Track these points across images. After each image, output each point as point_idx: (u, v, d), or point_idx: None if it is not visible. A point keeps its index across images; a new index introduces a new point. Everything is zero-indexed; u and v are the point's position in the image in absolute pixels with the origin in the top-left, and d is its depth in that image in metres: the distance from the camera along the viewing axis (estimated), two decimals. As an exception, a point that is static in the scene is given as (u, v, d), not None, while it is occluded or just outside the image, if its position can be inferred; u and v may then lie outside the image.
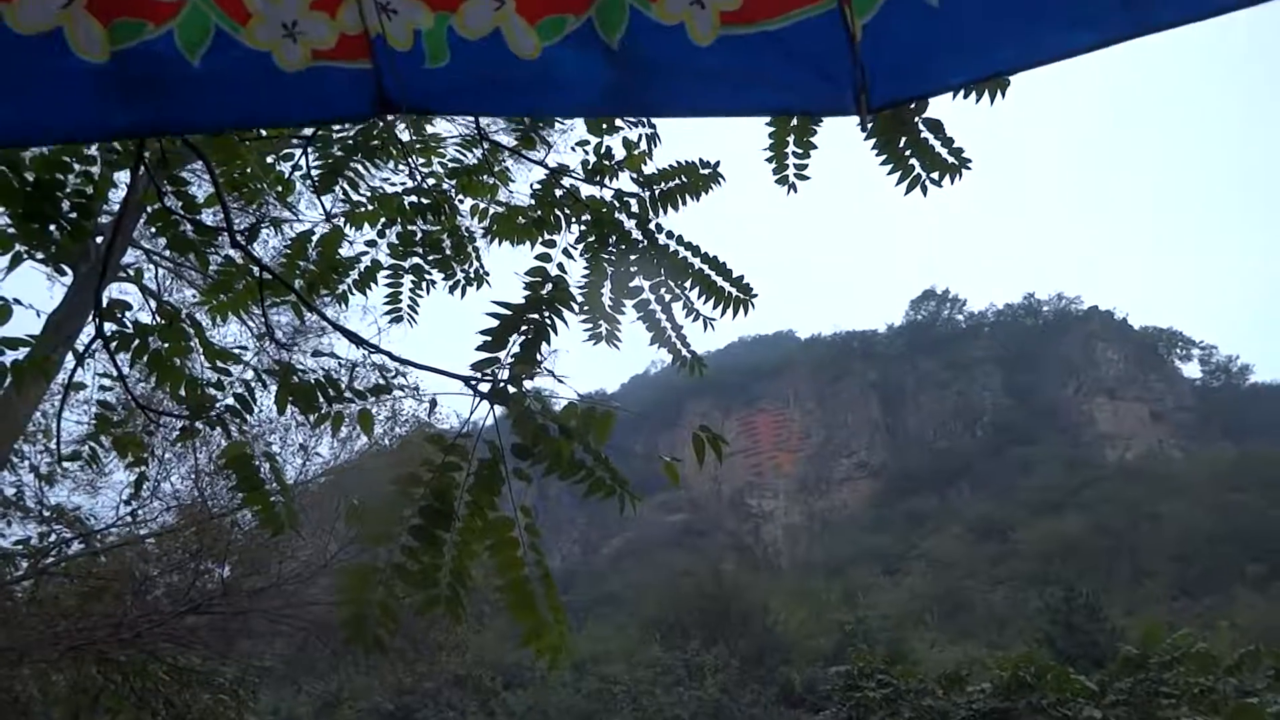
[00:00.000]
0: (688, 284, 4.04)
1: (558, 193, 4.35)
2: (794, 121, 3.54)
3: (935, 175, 3.48)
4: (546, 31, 1.78)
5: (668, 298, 4.07)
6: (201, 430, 3.63)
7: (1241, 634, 27.76)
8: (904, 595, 57.23)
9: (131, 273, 10.65)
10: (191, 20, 1.76)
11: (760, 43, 1.76)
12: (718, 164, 4.16)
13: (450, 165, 4.73)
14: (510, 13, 1.77)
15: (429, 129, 4.90)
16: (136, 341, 3.56)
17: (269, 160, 4.59)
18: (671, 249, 4.02)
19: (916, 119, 3.35)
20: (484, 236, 4.77)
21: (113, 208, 6.14)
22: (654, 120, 4.20)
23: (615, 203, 4.18)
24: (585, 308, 4.03)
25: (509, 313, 2.69)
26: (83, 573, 10.40)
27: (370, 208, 4.59)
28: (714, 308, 4.06)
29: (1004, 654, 18.61)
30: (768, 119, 3.54)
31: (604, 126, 4.18)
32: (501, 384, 2.62)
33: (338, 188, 4.39)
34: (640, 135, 4.22)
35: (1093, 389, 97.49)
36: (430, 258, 4.72)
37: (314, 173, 4.40)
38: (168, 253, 9.96)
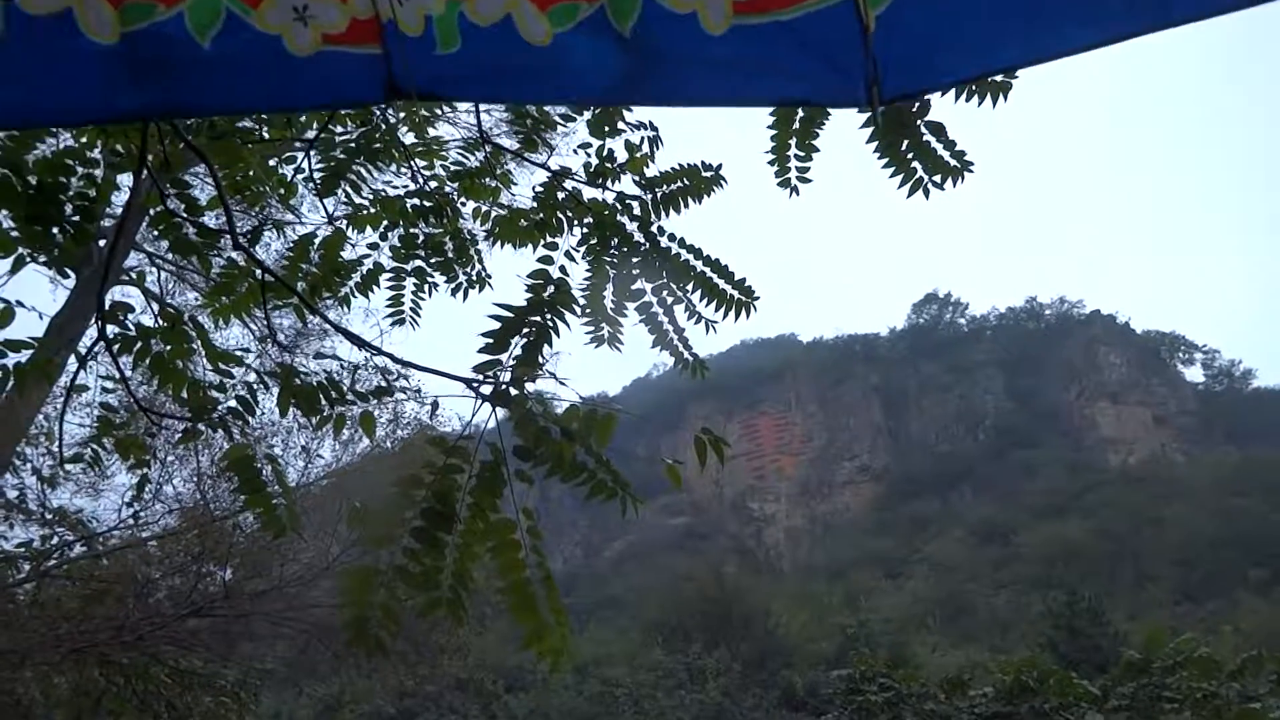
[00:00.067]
0: (689, 286, 4.04)
1: (560, 195, 4.35)
2: (796, 124, 3.54)
3: (937, 178, 3.48)
4: (558, 18, 1.77)
5: (670, 300, 4.07)
6: (203, 433, 3.63)
7: (1244, 639, 27.72)
8: (906, 599, 57.15)
9: (134, 275, 10.69)
10: (202, 2, 1.76)
11: (773, 32, 1.75)
12: (720, 167, 4.16)
13: (452, 168, 4.74)
14: None
15: (431, 131, 4.91)
16: (139, 344, 3.56)
17: (271, 163, 4.59)
18: (673, 252, 4.02)
19: (919, 121, 3.35)
20: (486, 239, 4.77)
21: (115, 210, 6.16)
22: (656, 123, 4.21)
23: (617, 205, 4.18)
24: (587, 310, 4.03)
25: (511, 315, 2.69)
26: (85, 575, 10.41)
27: (372, 210, 4.60)
28: (716, 310, 4.05)
29: (1006, 658, 18.55)
30: (770, 121, 3.54)
31: (606, 129, 4.18)
32: (503, 386, 2.62)
33: (340, 190, 4.39)
34: (642, 138, 4.22)
35: (1095, 393, 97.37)
36: (432, 260, 4.72)
37: (316, 175, 4.40)
38: (170, 255, 9.98)
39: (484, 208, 4.72)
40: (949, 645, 42.07)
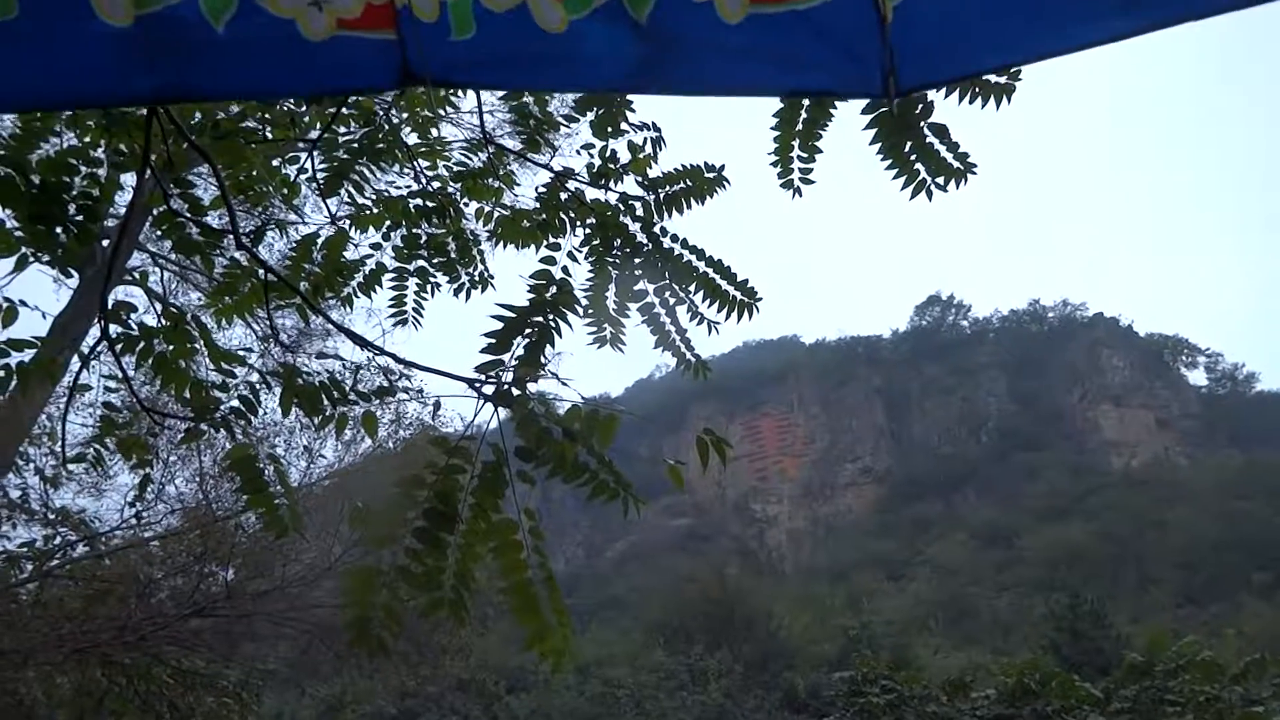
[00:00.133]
0: (692, 288, 4.04)
1: (562, 196, 4.35)
2: (799, 125, 3.54)
3: (940, 179, 3.48)
4: (574, 5, 1.76)
5: (672, 301, 4.07)
6: (206, 433, 3.63)
7: (1247, 642, 27.72)
8: (908, 601, 57.12)
9: (137, 275, 10.69)
10: None
11: (789, 21, 1.74)
12: (723, 168, 4.15)
13: (455, 168, 4.74)
14: None
15: (434, 132, 4.91)
16: (141, 344, 3.56)
17: (275, 163, 4.60)
18: (676, 253, 4.02)
19: (922, 123, 3.35)
20: (489, 240, 4.77)
21: (119, 210, 6.17)
22: (659, 123, 4.21)
23: (620, 206, 4.18)
24: (589, 311, 4.03)
25: (513, 316, 2.69)
26: (87, 575, 10.43)
27: (375, 211, 4.60)
28: (718, 312, 4.05)
29: (1009, 660, 18.54)
30: (773, 122, 3.54)
31: (609, 129, 4.18)
32: (505, 387, 2.62)
33: (343, 190, 4.39)
34: (645, 139, 4.22)
35: (1098, 396, 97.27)
36: (435, 261, 4.72)
37: (319, 175, 4.40)
38: (173, 255, 10.00)
39: (487, 208, 4.72)
40: (951, 647, 42.00)
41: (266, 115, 4.32)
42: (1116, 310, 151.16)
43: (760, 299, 4.06)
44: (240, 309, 4.23)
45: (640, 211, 4.14)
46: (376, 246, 4.64)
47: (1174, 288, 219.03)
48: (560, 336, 2.74)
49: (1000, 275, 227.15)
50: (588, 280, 4.08)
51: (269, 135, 4.42)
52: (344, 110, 4.32)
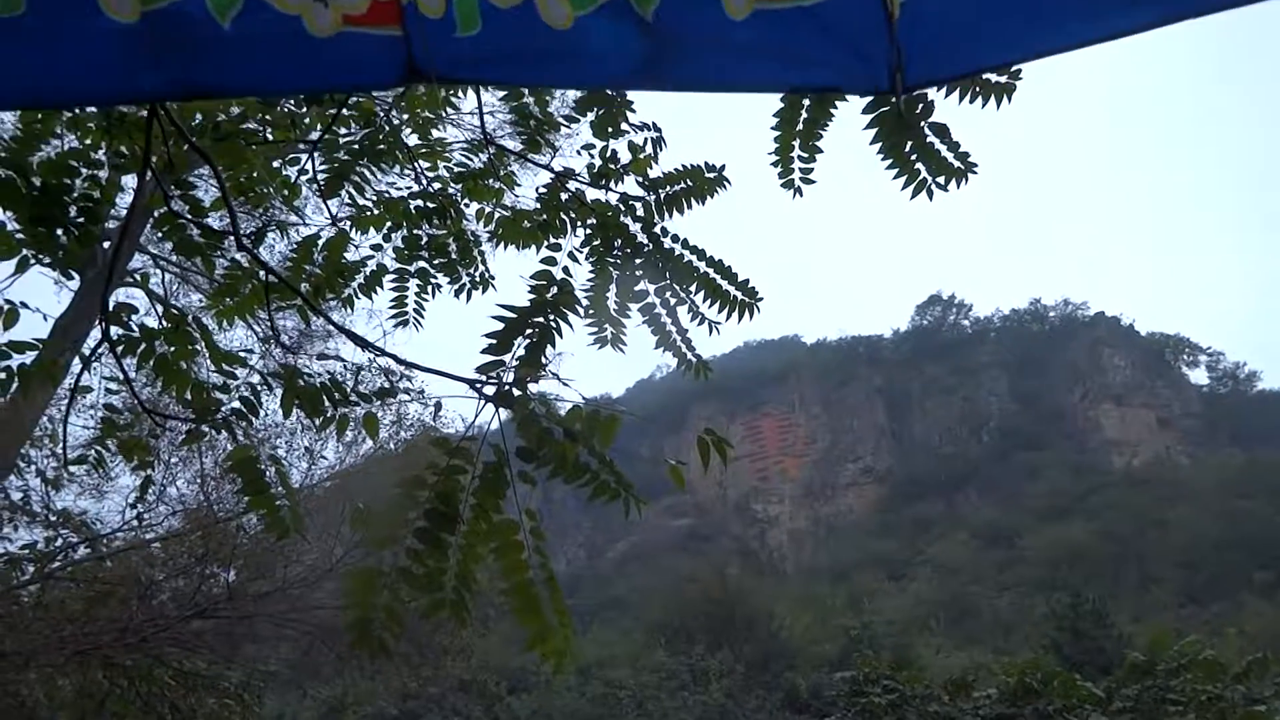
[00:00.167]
0: (693, 288, 4.03)
1: (563, 196, 4.35)
2: (800, 125, 3.53)
3: (941, 179, 3.47)
4: (579, 1, 1.76)
5: (673, 302, 4.07)
6: (207, 434, 3.62)
7: (1249, 641, 27.69)
8: (910, 601, 57.11)
9: (138, 277, 10.70)
10: None
11: (795, 18, 1.74)
12: (723, 168, 4.15)
13: (456, 169, 4.74)
14: None
15: (435, 133, 4.91)
16: (142, 345, 3.56)
17: (275, 164, 4.60)
18: (677, 253, 4.02)
19: (923, 122, 3.34)
20: (489, 240, 4.77)
21: (120, 212, 6.17)
22: (660, 123, 4.21)
23: (621, 206, 4.18)
24: (590, 311, 4.03)
25: (514, 316, 2.68)
26: (88, 577, 10.42)
27: (376, 212, 4.60)
28: (719, 312, 4.05)
29: (1010, 660, 18.52)
30: (774, 122, 3.54)
31: (609, 130, 4.18)
32: (506, 387, 2.62)
33: (343, 192, 4.39)
34: (645, 139, 4.21)
35: (1099, 395, 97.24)
36: (436, 262, 4.72)
37: (320, 177, 4.40)
38: (174, 257, 10.00)
39: (487, 209, 4.72)
40: (953, 647, 42.00)
41: (267, 116, 4.32)
42: (1117, 309, 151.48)
43: (761, 299, 4.06)
44: (241, 310, 4.23)
45: (641, 212, 4.14)
46: (377, 247, 4.65)
47: (1174, 287, 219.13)
48: (561, 337, 2.74)
49: (1001, 275, 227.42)
50: (588, 281, 4.08)
51: (269, 137, 4.42)
52: (344, 111, 4.32)
